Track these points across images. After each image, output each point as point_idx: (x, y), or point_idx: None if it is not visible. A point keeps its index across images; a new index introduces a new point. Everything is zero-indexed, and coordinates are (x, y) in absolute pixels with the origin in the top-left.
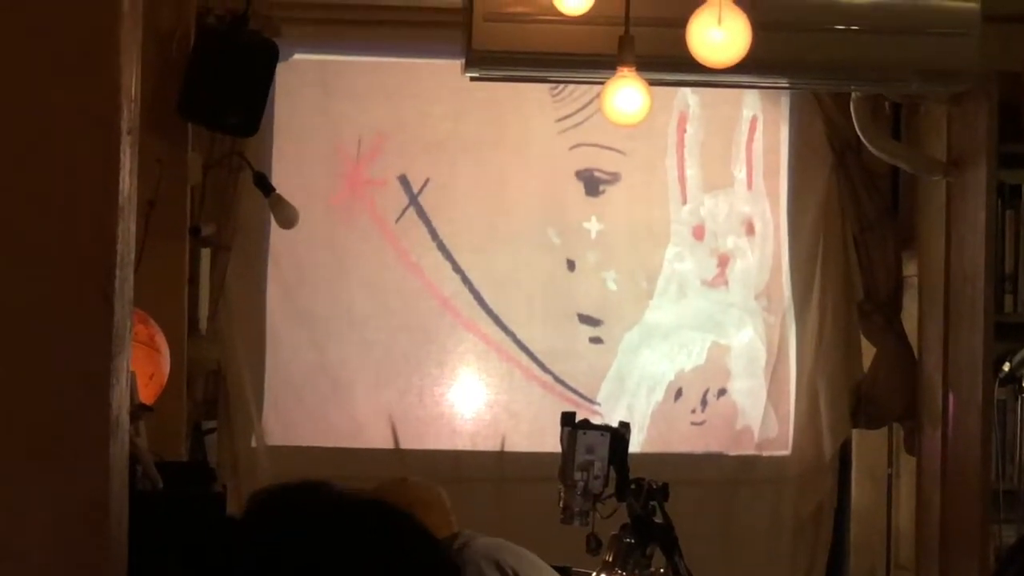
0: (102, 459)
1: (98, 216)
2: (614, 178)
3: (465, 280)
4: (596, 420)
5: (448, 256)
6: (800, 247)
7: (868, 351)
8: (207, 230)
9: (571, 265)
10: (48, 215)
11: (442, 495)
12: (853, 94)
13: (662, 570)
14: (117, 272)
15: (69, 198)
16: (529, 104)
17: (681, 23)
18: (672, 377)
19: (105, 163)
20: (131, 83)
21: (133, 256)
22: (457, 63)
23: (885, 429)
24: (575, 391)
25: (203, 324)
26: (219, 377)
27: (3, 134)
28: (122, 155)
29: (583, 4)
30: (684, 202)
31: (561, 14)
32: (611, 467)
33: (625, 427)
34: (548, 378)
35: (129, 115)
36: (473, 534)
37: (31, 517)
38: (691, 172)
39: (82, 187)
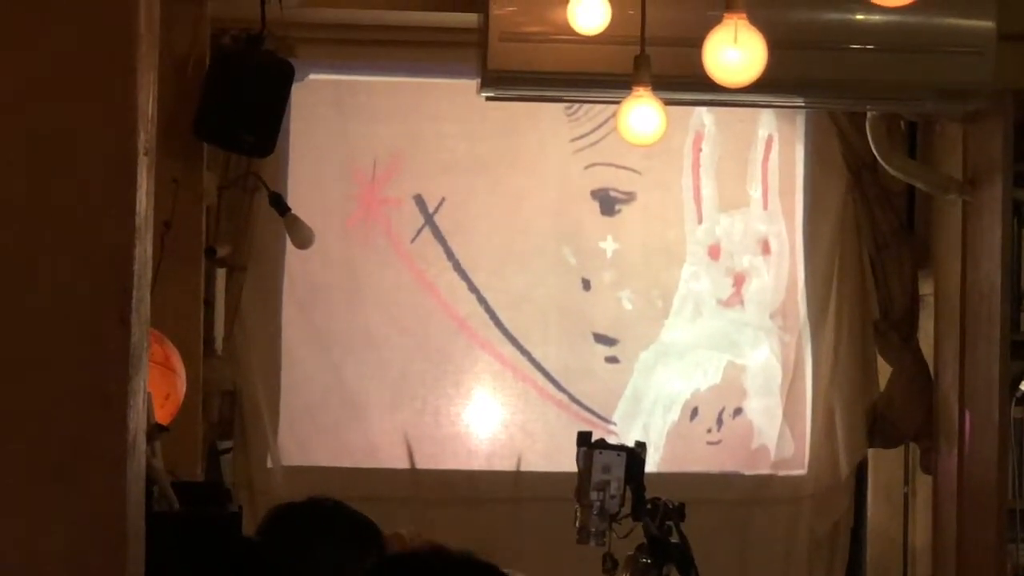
0: (119, 480)
1: (115, 238)
2: (629, 197)
3: (481, 300)
4: (612, 440)
5: (464, 276)
6: (816, 266)
7: (884, 370)
8: (223, 251)
9: (586, 284)
10: (65, 236)
11: None
12: (869, 113)
13: None
14: (134, 294)
15: (86, 219)
16: (544, 123)
17: (697, 42)
18: (688, 396)
19: (122, 184)
20: (148, 104)
21: (150, 278)
22: (473, 83)
23: (901, 448)
24: (591, 410)
25: (219, 344)
26: (234, 397)
27: (20, 155)
28: (139, 176)
29: (599, 24)
30: (700, 221)
31: (577, 34)
32: (627, 487)
33: (641, 447)
34: (564, 397)
35: (146, 136)
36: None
37: (49, 538)
38: (707, 191)
39: (99, 208)
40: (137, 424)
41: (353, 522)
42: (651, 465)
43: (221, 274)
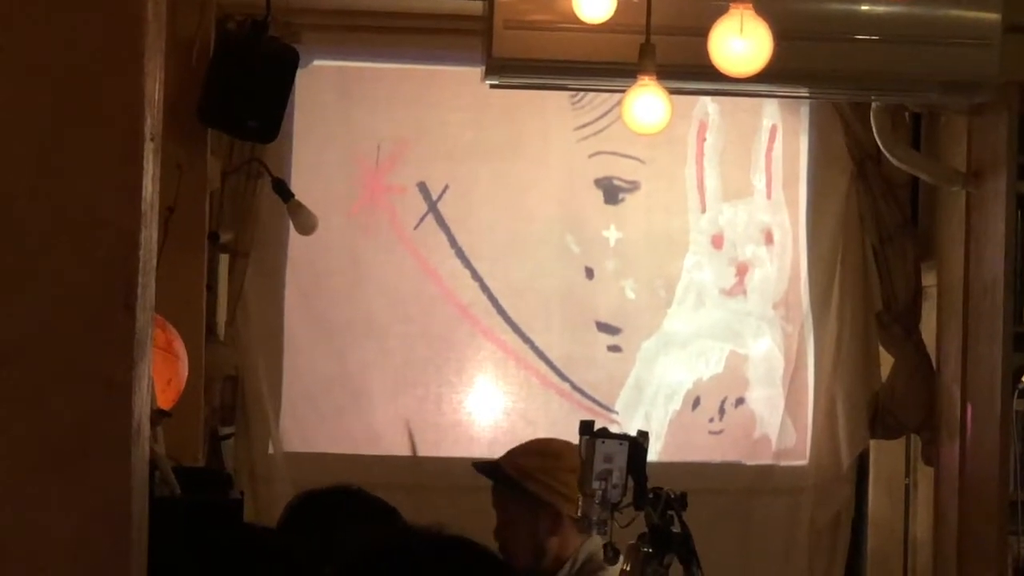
0: (124, 466)
1: (122, 223)
2: (633, 186)
3: (483, 288)
4: (614, 429)
5: (467, 263)
6: (819, 257)
7: (886, 361)
8: (226, 236)
9: (590, 273)
10: (71, 222)
11: None
12: (873, 104)
13: None
14: (140, 280)
15: (92, 205)
16: (549, 112)
17: (702, 32)
18: (690, 386)
19: (129, 170)
20: (155, 90)
21: (155, 263)
22: (477, 70)
23: (902, 439)
24: (593, 399)
25: (221, 330)
26: (236, 383)
27: (27, 140)
28: (145, 162)
29: (604, 12)
30: (703, 211)
31: (582, 22)
32: (629, 476)
33: (643, 436)
34: (566, 386)
35: (153, 121)
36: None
37: (53, 525)
38: (710, 181)
39: (105, 194)
40: (142, 410)
41: (376, 508)
42: (653, 454)
43: (224, 259)
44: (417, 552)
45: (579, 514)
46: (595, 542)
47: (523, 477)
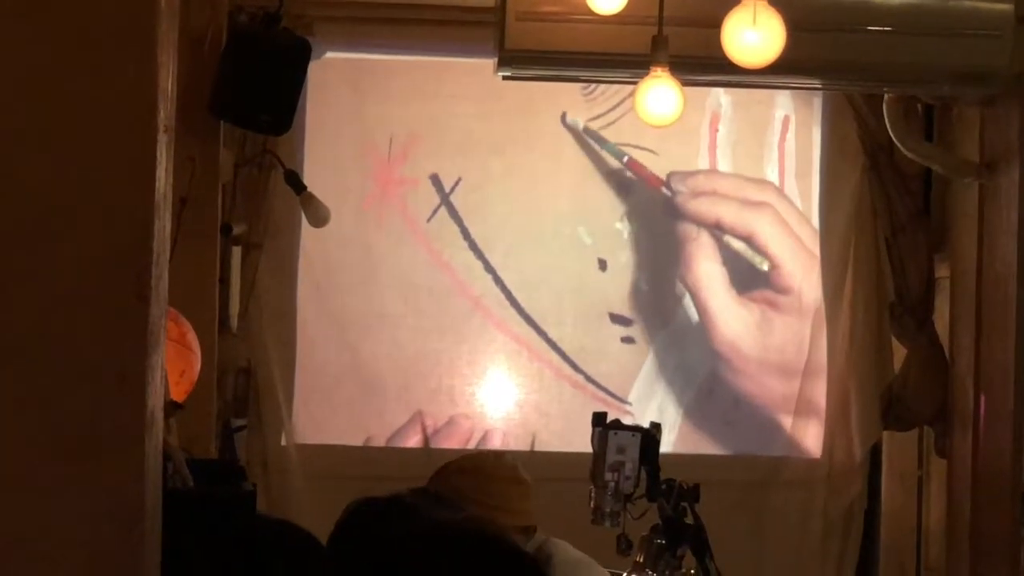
0: (137, 458)
1: (134, 215)
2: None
3: (496, 280)
4: (627, 420)
5: (479, 255)
6: (832, 248)
7: (899, 353)
8: (238, 228)
9: (603, 265)
10: (84, 213)
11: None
12: (886, 95)
13: (692, 571)
14: (153, 271)
15: (106, 196)
16: (561, 103)
17: (715, 23)
18: (703, 377)
19: (142, 161)
20: (168, 81)
21: (168, 255)
22: (489, 62)
23: (916, 431)
24: (606, 391)
25: (234, 322)
26: (249, 375)
27: (40, 133)
28: (159, 153)
29: (616, 3)
30: None
31: (594, 13)
32: (642, 468)
33: (656, 428)
34: (579, 378)
35: (166, 113)
36: (549, 539)
37: (65, 517)
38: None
39: (119, 185)
40: (155, 402)
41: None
42: (666, 446)
43: (236, 252)
44: (449, 544)
45: (592, 506)
46: (536, 542)
47: (460, 499)
